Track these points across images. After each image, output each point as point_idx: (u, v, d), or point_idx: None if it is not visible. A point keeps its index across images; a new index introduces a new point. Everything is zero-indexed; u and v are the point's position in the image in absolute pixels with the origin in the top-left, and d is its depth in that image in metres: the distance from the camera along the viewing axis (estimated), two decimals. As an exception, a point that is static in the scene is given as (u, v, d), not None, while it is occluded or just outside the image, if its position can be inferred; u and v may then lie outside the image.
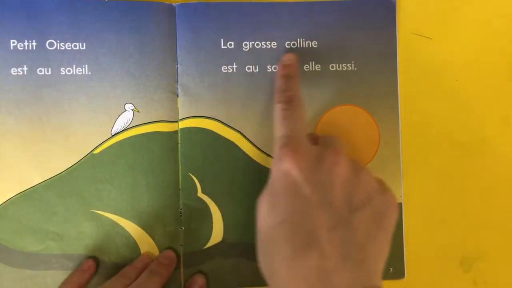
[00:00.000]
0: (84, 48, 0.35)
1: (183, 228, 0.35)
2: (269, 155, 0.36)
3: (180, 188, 0.35)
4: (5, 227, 0.34)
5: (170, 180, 0.35)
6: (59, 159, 0.34)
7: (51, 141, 0.35)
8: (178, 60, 0.36)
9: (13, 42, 0.34)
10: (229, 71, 0.36)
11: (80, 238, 0.35)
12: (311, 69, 0.36)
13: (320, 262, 0.26)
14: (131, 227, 0.35)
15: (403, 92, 0.37)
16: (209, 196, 0.36)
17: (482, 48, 0.38)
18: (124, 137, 0.35)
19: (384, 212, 0.29)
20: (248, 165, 0.36)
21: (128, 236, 0.35)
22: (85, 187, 0.35)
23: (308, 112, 0.36)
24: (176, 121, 0.35)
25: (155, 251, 0.35)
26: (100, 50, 0.35)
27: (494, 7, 0.38)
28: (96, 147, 0.35)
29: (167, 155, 0.35)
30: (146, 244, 0.35)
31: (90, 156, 0.35)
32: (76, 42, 0.35)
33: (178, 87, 0.36)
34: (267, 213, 0.29)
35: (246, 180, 0.36)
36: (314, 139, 0.33)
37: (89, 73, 0.35)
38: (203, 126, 0.36)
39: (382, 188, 0.30)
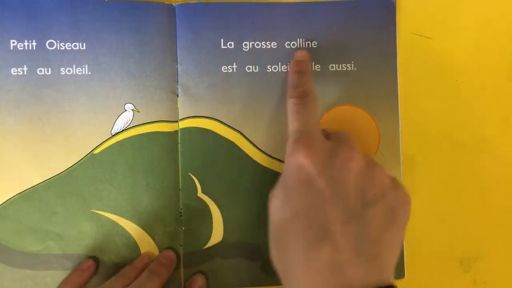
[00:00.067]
0: (84, 48, 0.35)
1: (183, 228, 0.35)
2: (269, 155, 0.36)
3: (180, 188, 0.35)
4: (5, 227, 0.34)
5: (170, 180, 0.35)
6: (59, 159, 0.34)
7: (51, 141, 0.35)
8: (178, 60, 0.36)
9: (13, 42, 0.34)
10: (229, 71, 0.36)
11: (80, 238, 0.35)
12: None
13: (333, 256, 0.26)
14: (131, 227, 0.35)
15: (403, 92, 0.37)
16: (209, 196, 0.36)
17: (482, 48, 0.38)
18: (124, 137, 0.35)
19: (397, 208, 0.29)
20: (248, 165, 0.36)
21: (128, 236, 0.35)
22: (85, 187, 0.35)
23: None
24: (176, 121, 0.35)
25: (155, 251, 0.35)
26: (100, 50, 0.35)
27: (494, 7, 0.38)
28: (96, 147, 0.35)
29: (167, 155, 0.35)
30: (146, 244, 0.35)
31: (90, 156, 0.35)
32: (76, 42, 0.35)
33: (178, 87, 0.36)
34: (280, 206, 0.29)
35: (246, 180, 0.36)
36: (327, 135, 0.33)
37: (89, 73, 0.35)
38: (203, 126, 0.36)
39: (396, 184, 0.30)
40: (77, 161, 0.35)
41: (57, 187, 0.34)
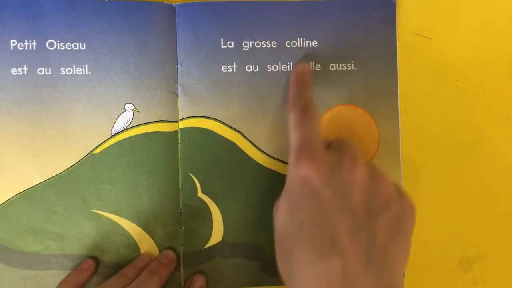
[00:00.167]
0: (84, 48, 0.35)
1: (183, 228, 0.35)
2: (269, 155, 0.36)
3: (180, 188, 0.35)
4: (5, 227, 0.34)
5: (170, 180, 0.35)
6: (59, 159, 0.34)
7: (51, 141, 0.35)
8: (178, 60, 0.36)
9: (13, 42, 0.34)
10: (229, 70, 0.36)
11: (80, 238, 0.35)
12: (311, 69, 0.36)
13: (343, 266, 0.26)
14: (131, 227, 0.35)
15: (403, 92, 0.37)
16: (209, 196, 0.36)
17: (482, 48, 0.38)
18: (124, 137, 0.35)
19: (402, 216, 0.29)
20: (248, 165, 0.36)
21: (128, 236, 0.35)
22: (85, 187, 0.35)
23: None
24: (176, 121, 0.35)
25: (155, 251, 0.35)
26: (100, 50, 0.35)
27: (494, 7, 0.38)
28: (96, 147, 0.35)
29: (167, 155, 0.35)
30: (146, 244, 0.35)
31: (90, 156, 0.35)
32: (76, 42, 0.35)
33: (178, 87, 0.36)
34: (287, 218, 0.29)
35: (246, 180, 0.36)
36: (328, 144, 0.33)
37: (89, 73, 0.35)
38: (203, 126, 0.36)
39: (400, 192, 0.30)
40: (77, 161, 0.35)
41: (57, 187, 0.34)
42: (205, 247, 0.36)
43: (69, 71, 0.35)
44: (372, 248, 0.27)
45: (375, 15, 0.37)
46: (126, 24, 0.35)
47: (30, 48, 0.34)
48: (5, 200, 0.34)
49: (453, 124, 0.38)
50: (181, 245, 0.35)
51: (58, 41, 0.35)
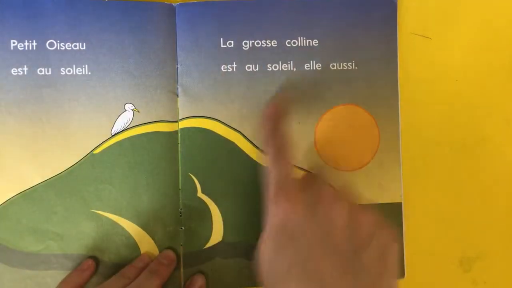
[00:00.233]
0: (84, 48, 0.35)
1: (183, 228, 0.35)
2: (269, 155, 0.36)
3: (180, 188, 0.35)
4: (5, 227, 0.34)
5: (170, 180, 0.35)
6: (59, 159, 0.34)
7: (51, 141, 0.35)
8: (178, 60, 0.35)
9: (13, 42, 0.34)
10: (229, 70, 0.36)
11: (80, 238, 0.35)
12: (311, 68, 0.36)
13: None
14: (131, 227, 0.35)
15: (403, 91, 0.37)
16: (209, 196, 0.36)
17: (482, 48, 0.38)
18: (124, 137, 0.35)
19: (386, 246, 0.29)
20: (248, 165, 0.36)
21: (128, 236, 0.35)
22: (85, 187, 0.35)
23: (308, 111, 0.36)
24: (176, 121, 0.35)
25: (155, 251, 0.35)
26: (100, 50, 0.35)
27: (494, 7, 0.38)
28: (96, 147, 0.35)
29: (167, 155, 0.35)
30: (146, 244, 0.35)
31: (90, 156, 0.35)
32: (76, 42, 0.35)
33: (178, 87, 0.36)
34: (273, 259, 0.29)
35: (246, 180, 0.36)
36: (302, 179, 0.33)
37: (89, 73, 0.35)
38: (203, 126, 0.36)
39: (380, 223, 0.30)
40: (77, 161, 0.35)
41: (57, 187, 0.34)
42: (205, 247, 0.36)
43: (69, 71, 0.35)
44: (361, 284, 0.27)
45: (375, 15, 0.37)
46: (126, 24, 0.35)
47: (30, 48, 0.34)
48: (5, 200, 0.34)
49: (453, 124, 0.38)
50: (181, 245, 0.35)
51: (58, 41, 0.35)
